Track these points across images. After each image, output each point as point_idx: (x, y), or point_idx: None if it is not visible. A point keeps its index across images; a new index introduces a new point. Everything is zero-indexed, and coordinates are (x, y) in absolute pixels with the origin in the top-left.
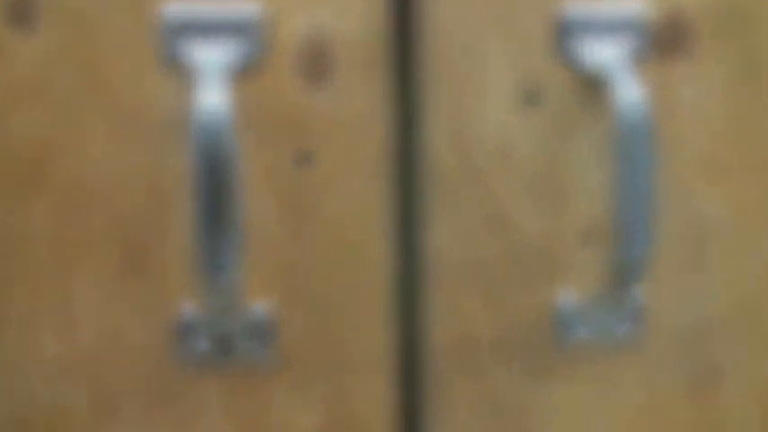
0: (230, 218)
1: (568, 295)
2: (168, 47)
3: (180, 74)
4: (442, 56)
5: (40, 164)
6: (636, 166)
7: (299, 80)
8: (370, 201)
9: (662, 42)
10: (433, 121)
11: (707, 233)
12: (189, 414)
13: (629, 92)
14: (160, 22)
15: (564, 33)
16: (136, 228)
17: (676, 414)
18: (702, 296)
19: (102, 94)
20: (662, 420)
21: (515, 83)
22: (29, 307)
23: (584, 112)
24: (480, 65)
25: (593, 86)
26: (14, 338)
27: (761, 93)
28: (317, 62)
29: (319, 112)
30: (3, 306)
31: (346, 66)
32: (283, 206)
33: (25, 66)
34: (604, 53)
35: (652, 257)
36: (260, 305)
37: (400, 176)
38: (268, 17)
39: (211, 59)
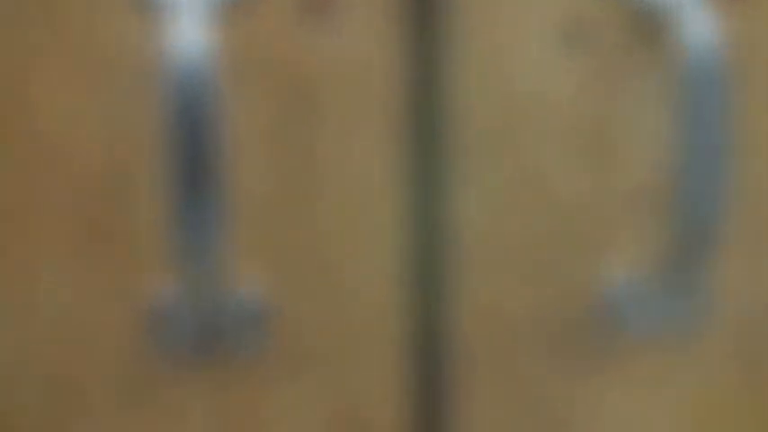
0: (214, 184)
1: (619, 274)
2: None
3: (154, 9)
4: None
5: None
6: (704, 117)
7: (299, 17)
8: (385, 162)
9: None
10: (459, 66)
11: None
12: (167, 417)
13: (697, 29)
14: None
15: None
16: (102, 195)
17: (742, 416)
18: None
19: (60, 34)
20: (726, 423)
21: (556, 19)
22: None
23: (638, 53)
24: None
25: (650, 23)
26: None
27: None
28: None
29: (323, 57)
30: None
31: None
32: (279, 169)
33: None
34: None
35: (722, 229)
36: (251, 288)
37: (420, 132)
38: None
39: None
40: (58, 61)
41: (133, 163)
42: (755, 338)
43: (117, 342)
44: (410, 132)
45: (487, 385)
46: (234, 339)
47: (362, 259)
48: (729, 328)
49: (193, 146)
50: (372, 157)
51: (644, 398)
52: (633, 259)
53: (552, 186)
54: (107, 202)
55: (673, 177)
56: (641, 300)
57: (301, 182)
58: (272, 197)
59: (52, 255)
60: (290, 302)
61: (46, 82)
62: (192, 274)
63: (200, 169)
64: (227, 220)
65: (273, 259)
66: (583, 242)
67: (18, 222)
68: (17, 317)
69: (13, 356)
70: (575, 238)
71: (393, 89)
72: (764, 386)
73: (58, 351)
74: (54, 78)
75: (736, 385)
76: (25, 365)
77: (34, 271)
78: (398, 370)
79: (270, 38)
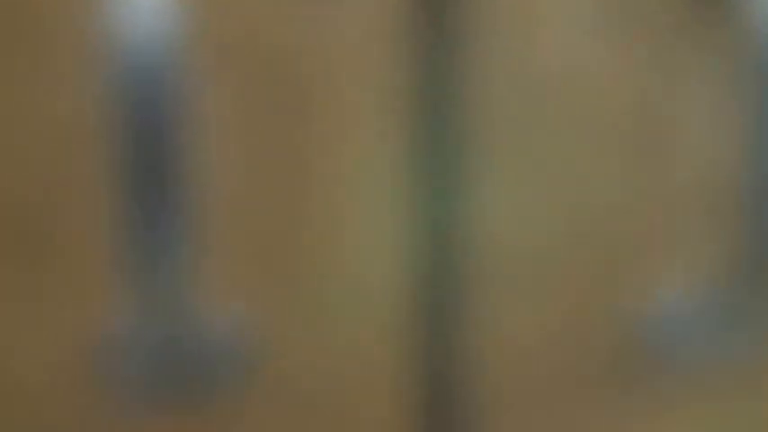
0: (179, 190)
1: (668, 296)
2: None
3: None
4: None
5: None
6: None
7: None
8: (386, 161)
9: None
10: (480, 46)
11: None
12: None
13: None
14: None
15: None
16: (40, 204)
17: None
18: None
19: None
20: None
21: None
22: None
23: (693, 33)
24: None
25: None
26: None
27: None
28: None
29: (313, 34)
30: None
31: None
32: (263, 171)
33: None
34: None
35: None
36: (228, 318)
37: (430, 126)
38: None
39: None
40: None
41: (77, 165)
42: None
43: (60, 386)
44: (418, 127)
45: (513, 425)
46: (207, 381)
47: (361, 283)
48: None
49: (153, 144)
50: (375, 157)
51: None
52: (684, 277)
53: (587, 190)
54: (45, 213)
55: (735, 177)
56: (698, 329)
57: (290, 187)
58: (254, 205)
59: None
60: (276, 334)
61: None
62: (153, 301)
63: (160, 173)
64: (196, 234)
65: (253, 283)
66: (624, 257)
67: None
68: None
69: None
70: (614, 252)
71: (399, 72)
72: None
73: None
74: None
75: None
76: None
77: None
78: (402, 413)
79: (250, 10)
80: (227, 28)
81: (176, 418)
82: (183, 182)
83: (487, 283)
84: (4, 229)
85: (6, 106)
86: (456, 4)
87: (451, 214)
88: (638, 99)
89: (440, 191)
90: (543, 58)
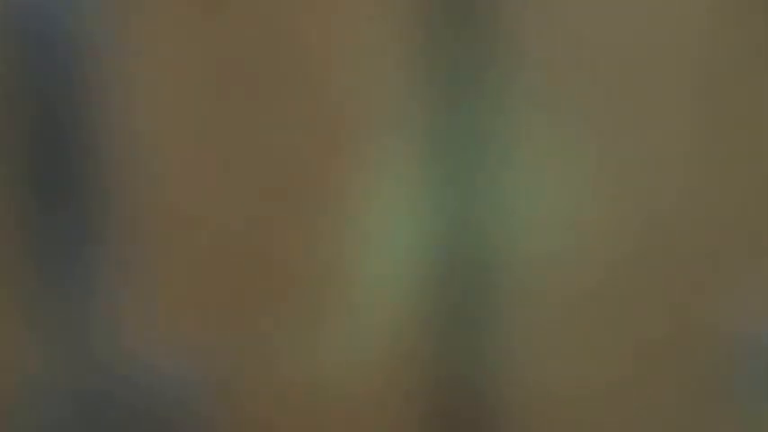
0: (96, 188)
1: (753, 329)
2: None
3: None
4: None
5: None
6: None
7: None
8: (387, 140)
9: None
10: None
11: None
12: None
13: None
14: None
15: None
16: None
17: None
18: None
19: None
20: None
21: None
22: None
23: None
24: None
25: None
26: None
27: None
28: None
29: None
30: None
31: None
32: (222, 155)
33: None
34: None
35: None
36: (174, 359)
37: (445, 82)
38: None
39: None
40: None
41: None
42: None
43: None
44: (438, 118)
45: None
46: None
47: (352, 309)
48: None
49: (52, 121)
50: (368, 135)
51: None
52: None
53: (650, 189)
54: None
55: None
56: None
57: (259, 177)
58: (209, 203)
59: None
60: (230, 381)
61: None
62: (71, 341)
63: (68, 165)
64: (126, 248)
65: (204, 308)
66: (703, 272)
67: None
68: None
69: None
70: (689, 267)
71: (412, 23)
72: None
73: None
74: None
75: None
76: None
77: None
78: None
79: None
80: None
81: None
82: (103, 174)
83: (517, 311)
84: None
85: None
86: None
87: (471, 221)
88: (717, 63)
89: (460, 189)
90: (591, 24)
